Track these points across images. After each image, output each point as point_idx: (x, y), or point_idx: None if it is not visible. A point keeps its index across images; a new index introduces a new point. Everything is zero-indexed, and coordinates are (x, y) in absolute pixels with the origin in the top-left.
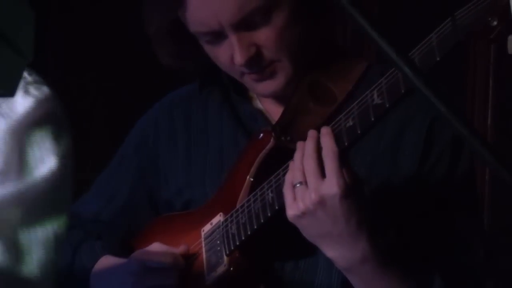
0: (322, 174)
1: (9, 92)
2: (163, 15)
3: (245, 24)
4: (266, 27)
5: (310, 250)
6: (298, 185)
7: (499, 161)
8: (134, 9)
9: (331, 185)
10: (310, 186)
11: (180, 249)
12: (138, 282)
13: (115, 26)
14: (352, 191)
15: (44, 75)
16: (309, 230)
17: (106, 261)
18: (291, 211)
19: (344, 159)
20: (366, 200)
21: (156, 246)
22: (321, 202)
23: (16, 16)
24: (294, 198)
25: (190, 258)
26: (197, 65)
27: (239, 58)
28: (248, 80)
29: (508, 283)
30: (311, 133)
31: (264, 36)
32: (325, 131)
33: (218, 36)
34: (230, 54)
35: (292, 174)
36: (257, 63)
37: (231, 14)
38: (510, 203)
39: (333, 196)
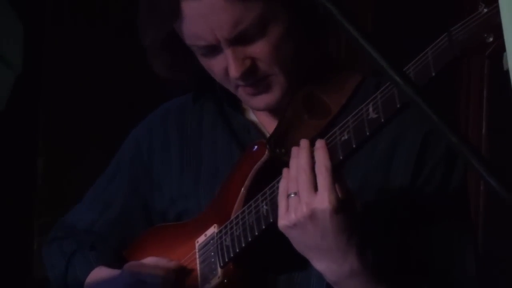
0: (315, 187)
1: None
2: (159, 28)
3: (241, 38)
4: (261, 40)
5: (303, 262)
6: (292, 195)
7: (492, 173)
8: (131, 21)
9: (323, 200)
10: (302, 199)
11: (171, 264)
12: None
13: (111, 37)
14: (343, 207)
15: (39, 85)
16: (299, 242)
17: (100, 272)
18: (283, 221)
19: (337, 173)
20: (357, 215)
21: (150, 260)
22: (312, 216)
23: (4, 29)
24: (287, 208)
25: (184, 269)
26: (192, 76)
27: (234, 72)
28: (242, 94)
29: None
30: (304, 144)
31: (259, 49)
32: (319, 144)
33: (213, 49)
34: (224, 67)
35: (287, 184)
36: (252, 76)
37: (226, 30)
38: (504, 215)
39: (324, 211)
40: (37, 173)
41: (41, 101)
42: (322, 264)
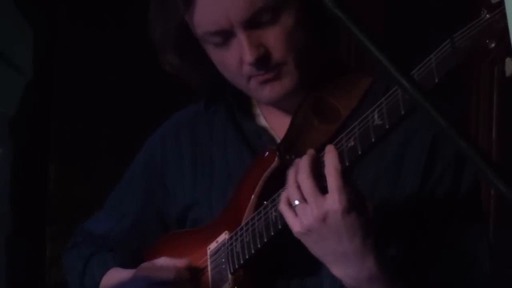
0: (321, 191)
1: (8, 110)
2: (170, 18)
3: (255, 22)
4: (275, 27)
5: (315, 267)
6: (296, 202)
7: (500, 177)
8: (144, 23)
9: (333, 201)
10: (311, 203)
11: (182, 262)
12: None
13: (123, 40)
14: (354, 207)
15: (51, 90)
16: (315, 248)
17: (115, 273)
18: (296, 228)
19: (346, 176)
20: (369, 217)
21: (162, 260)
22: (324, 219)
23: (14, 35)
24: (295, 215)
25: (196, 276)
26: (202, 77)
27: (248, 57)
28: (254, 85)
29: None
30: (309, 152)
31: (274, 36)
32: (329, 148)
33: (227, 37)
34: (238, 56)
35: (288, 192)
36: (265, 65)
37: (241, 12)
38: None
39: (335, 212)
40: (49, 179)
41: (52, 106)
42: (340, 270)
